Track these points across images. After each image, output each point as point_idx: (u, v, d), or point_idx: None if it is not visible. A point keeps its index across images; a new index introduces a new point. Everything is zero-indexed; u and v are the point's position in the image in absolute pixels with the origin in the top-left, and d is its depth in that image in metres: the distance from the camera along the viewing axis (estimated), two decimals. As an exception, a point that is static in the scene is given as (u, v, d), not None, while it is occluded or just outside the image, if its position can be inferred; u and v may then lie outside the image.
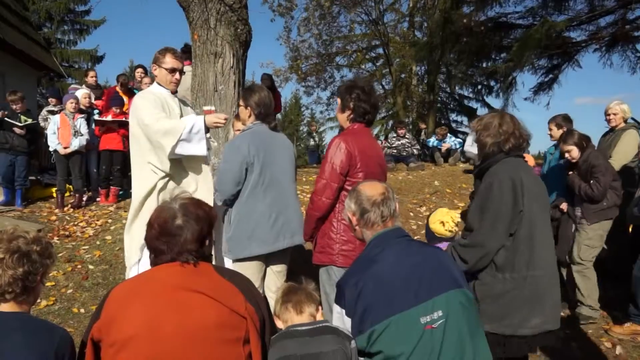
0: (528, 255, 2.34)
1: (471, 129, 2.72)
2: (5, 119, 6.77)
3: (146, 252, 2.57)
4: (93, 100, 7.72)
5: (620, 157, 4.66)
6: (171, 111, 3.31)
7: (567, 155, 4.24)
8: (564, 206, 4.38)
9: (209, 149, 3.46)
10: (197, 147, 3.17)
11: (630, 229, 4.73)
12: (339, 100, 3.05)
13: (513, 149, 2.48)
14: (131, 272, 3.26)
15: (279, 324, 1.92)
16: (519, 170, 2.40)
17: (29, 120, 6.96)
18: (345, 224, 2.76)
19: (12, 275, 1.61)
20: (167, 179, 3.25)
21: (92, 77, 8.53)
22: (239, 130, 3.75)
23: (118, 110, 7.14)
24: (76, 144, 6.81)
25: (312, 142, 15.63)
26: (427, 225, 3.00)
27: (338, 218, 2.81)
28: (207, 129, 3.24)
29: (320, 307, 1.94)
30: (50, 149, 6.94)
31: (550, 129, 4.97)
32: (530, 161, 6.21)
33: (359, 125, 2.96)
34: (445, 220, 2.86)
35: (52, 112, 7.50)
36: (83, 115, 7.04)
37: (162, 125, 3.10)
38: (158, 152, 3.17)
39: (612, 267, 4.72)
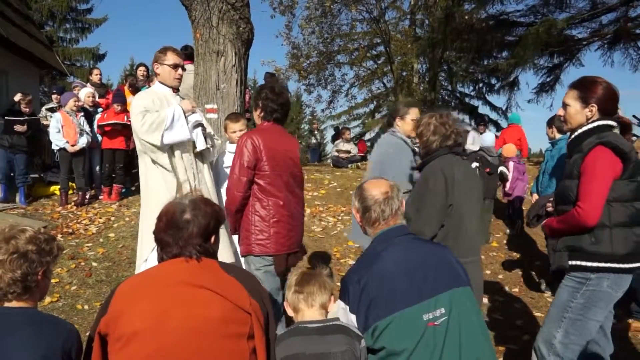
0: (452, 243, 2.50)
1: (416, 129, 2.86)
2: (6, 117, 6.80)
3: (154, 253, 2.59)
4: (97, 99, 7.73)
5: None
6: None
7: None
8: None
9: (212, 146, 3.49)
10: (182, 132, 3.25)
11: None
12: (253, 101, 3.24)
13: (454, 145, 2.72)
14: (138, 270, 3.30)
15: (289, 310, 1.93)
16: (452, 167, 2.62)
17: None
18: (259, 215, 2.96)
19: (12, 277, 1.63)
20: (170, 175, 3.27)
21: (96, 75, 8.54)
22: (234, 132, 3.77)
23: (119, 108, 7.11)
24: (83, 141, 6.83)
25: (313, 140, 15.63)
26: None
27: (252, 211, 3.00)
28: (204, 128, 3.37)
29: (332, 296, 1.94)
30: (56, 147, 6.87)
31: (549, 131, 4.98)
32: (510, 151, 6.32)
33: (268, 124, 3.14)
34: None
35: (52, 110, 7.52)
36: (82, 113, 7.04)
37: (146, 123, 3.15)
38: (152, 152, 3.21)
39: None
